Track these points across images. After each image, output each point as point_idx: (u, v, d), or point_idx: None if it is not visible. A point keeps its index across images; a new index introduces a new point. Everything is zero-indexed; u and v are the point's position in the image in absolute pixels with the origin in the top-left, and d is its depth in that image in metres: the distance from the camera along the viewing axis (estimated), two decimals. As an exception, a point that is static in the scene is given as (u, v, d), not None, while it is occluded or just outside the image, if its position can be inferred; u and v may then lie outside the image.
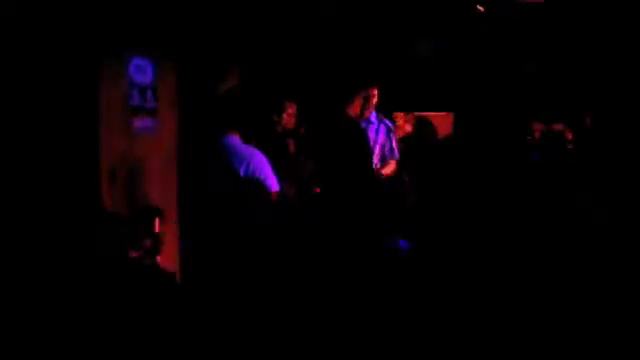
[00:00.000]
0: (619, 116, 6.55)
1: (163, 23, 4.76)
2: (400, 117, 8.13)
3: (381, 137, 5.89)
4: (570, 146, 6.80)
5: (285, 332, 3.83)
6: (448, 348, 3.86)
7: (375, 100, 5.69)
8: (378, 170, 5.69)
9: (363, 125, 5.66)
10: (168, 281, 4.02)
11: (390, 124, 6.05)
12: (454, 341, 3.89)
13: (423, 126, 7.70)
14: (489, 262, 4.38)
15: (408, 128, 8.11)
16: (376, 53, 8.12)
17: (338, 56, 7.13)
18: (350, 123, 5.23)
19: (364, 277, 4.43)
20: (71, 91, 4.28)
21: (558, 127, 7.18)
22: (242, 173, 4.40)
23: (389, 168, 5.85)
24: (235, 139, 4.55)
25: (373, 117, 5.86)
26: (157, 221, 4.39)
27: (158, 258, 4.27)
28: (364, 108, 5.48)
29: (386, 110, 7.29)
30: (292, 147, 5.18)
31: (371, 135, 5.77)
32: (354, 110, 5.34)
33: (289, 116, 5.11)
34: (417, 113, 8.68)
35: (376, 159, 5.82)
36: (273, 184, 4.49)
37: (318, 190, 4.81)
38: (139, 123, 4.60)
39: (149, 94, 4.68)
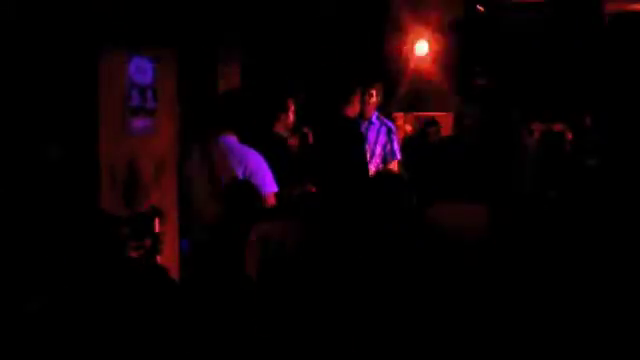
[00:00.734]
0: (619, 116, 6.55)
1: (163, 23, 4.76)
2: (400, 117, 8.14)
3: (382, 138, 5.88)
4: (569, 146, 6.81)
5: (285, 332, 3.83)
6: (449, 347, 3.86)
7: (374, 100, 5.69)
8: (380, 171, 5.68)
9: (364, 126, 5.67)
10: (168, 281, 4.02)
11: (392, 125, 6.05)
12: (454, 340, 3.88)
13: (426, 126, 7.72)
14: (489, 261, 4.38)
15: (408, 128, 8.12)
16: (375, 53, 8.14)
17: (336, 55, 7.14)
18: (347, 123, 5.23)
19: (364, 276, 4.43)
20: (71, 91, 4.28)
21: (558, 127, 7.18)
22: (239, 174, 4.39)
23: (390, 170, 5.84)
24: (232, 139, 4.54)
25: (374, 118, 5.86)
26: (157, 221, 4.39)
27: (158, 258, 4.27)
28: (363, 108, 5.48)
29: (386, 110, 7.30)
30: (293, 147, 5.18)
31: (372, 136, 5.77)
32: (353, 110, 5.34)
33: (292, 113, 5.10)
34: (417, 113, 8.69)
35: (378, 160, 5.82)
36: (271, 184, 4.48)
37: (314, 189, 4.81)
38: (139, 123, 4.59)
39: (149, 94, 4.67)
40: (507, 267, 4.36)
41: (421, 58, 8.67)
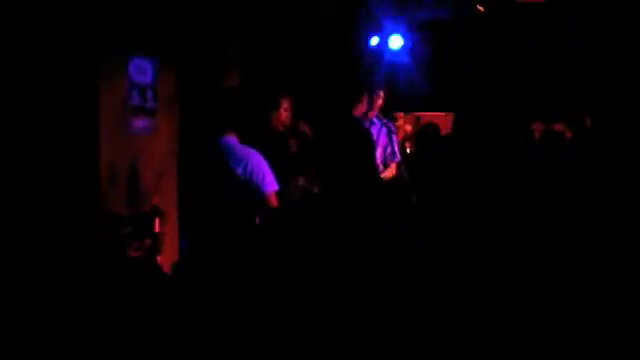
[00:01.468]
0: (619, 116, 6.55)
1: (163, 23, 4.76)
2: (400, 117, 8.13)
3: (383, 139, 5.89)
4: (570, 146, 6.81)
5: (284, 332, 3.83)
6: (448, 347, 3.86)
7: (380, 102, 5.70)
8: (380, 173, 5.68)
9: (366, 125, 5.67)
10: (167, 281, 4.03)
11: (392, 126, 6.06)
12: (454, 339, 3.89)
13: (426, 126, 7.73)
14: (489, 260, 4.38)
15: (408, 128, 8.12)
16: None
17: (347, 56, 7.15)
18: (357, 123, 5.24)
19: (365, 276, 4.43)
20: (71, 91, 4.28)
21: (558, 127, 7.18)
22: (240, 174, 4.39)
23: (390, 171, 5.86)
24: (232, 139, 4.54)
25: (375, 118, 5.87)
26: (157, 221, 4.40)
27: (158, 258, 4.28)
28: (369, 109, 5.50)
29: (386, 110, 7.30)
30: (293, 146, 5.18)
31: (376, 136, 5.79)
32: (360, 110, 5.35)
33: (285, 111, 5.10)
34: (417, 113, 8.69)
35: (378, 161, 5.82)
36: (272, 183, 4.48)
37: (316, 189, 4.81)
38: (139, 123, 4.59)
39: (149, 94, 4.68)
40: (506, 267, 4.36)
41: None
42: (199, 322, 3.72)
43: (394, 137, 5.95)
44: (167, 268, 4.42)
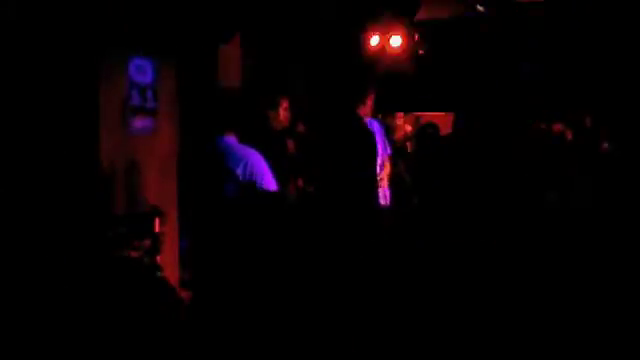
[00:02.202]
0: (619, 116, 6.55)
1: (163, 23, 4.76)
2: (400, 117, 8.12)
3: (380, 137, 5.95)
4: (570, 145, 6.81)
5: (284, 332, 3.83)
6: (446, 346, 3.86)
7: (370, 103, 5.77)
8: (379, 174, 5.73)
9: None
10: (167, 283, 4.03)
11: (382, 124, 6.18)
12: (452, 338, 3.89)
13: (426, 126, 7.73)
14: (489, 258, 4.38)
15: (408, 128, 8.11)
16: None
17: (352, 57, 7.16)
18: (363, 123, 5.28)
19: (365, 277, 4.43)
20: (71, 91, 4.28)
21: (558, 127, 7.18)
22: (239, 174, 4.39)
23: (386, 170, 5.90)
24: (231, 139, 4.54)
25: (370, 119, 5.94)
26: (157, 221, 4.39)
27: (158, 258, 4.27)
28: (372, 109, 5.56)
29: (386, 110, 7.30)
30: (291, 146, 5.18)
31: (377, 133, 5.88)
32: (365, 110, 5.40)
33: (285, 111, 5.11)
34: (417, 113, 8.69)
35: (380, 156, 5.91)
36: (271, 184, 4.48)
37: (311, 188, 4.83)
38: (139, 123, 4.59)
39: (149, 94, 4.68)
40: (505, 267, 4.36)
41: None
42: (199, 322, 3.72)
43: (384, 135, 6.06)
44: (167, 268, 4.42)
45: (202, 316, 3.79)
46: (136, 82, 4.57)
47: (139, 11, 4.56)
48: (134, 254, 4.02)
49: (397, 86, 8.48)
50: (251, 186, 4.36)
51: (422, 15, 8.28)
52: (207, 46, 5.74)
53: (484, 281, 4.38)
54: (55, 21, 4.23)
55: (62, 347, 3.37)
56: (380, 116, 6.85)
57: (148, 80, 4.66)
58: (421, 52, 8.70)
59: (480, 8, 8.11)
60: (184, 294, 4.20)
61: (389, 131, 6.04)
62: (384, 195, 5.76)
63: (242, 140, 4.59)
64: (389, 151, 6.00)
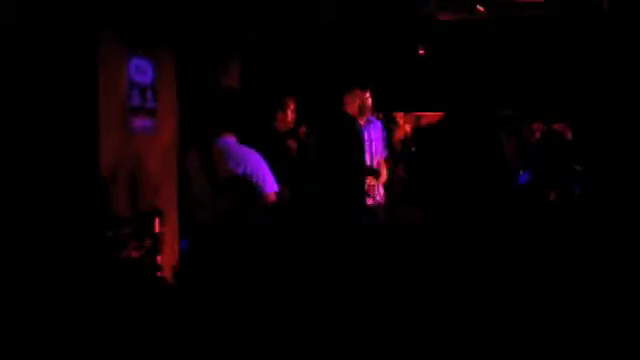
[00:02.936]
0: (618, 116, 6.55)
1: (163, 23, 4.76)
2: (400, 117, 8.14)
3: (380, 134, 5.98)
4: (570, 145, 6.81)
5: (283, 331, 3.83)
6: (443, 345, 3.86)
7: (370, 101, 5.76)
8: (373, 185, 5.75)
9: (364, 124, 5.73)
10: (167, 282, 4.03)
11: (382, 124, 6.21)
12: (450, 338, 3.89)
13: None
14: (487, 259, 4.38)
15: (408, 128, 8.13)
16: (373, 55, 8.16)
17: (338, 58, 7.16)
18: (349, 120, 5.28)
19: (364, 275, 4.43)
20: (71, 91, 4.28)
21: (558, 127, 7.19)
22: (239, 174, 4.38)
23: (383, 171, 5.93)
24: (231, 140, 4.53)
25: (372, 117, 5.96)
26: (157, 221, 4.39)
27: (158, 258, 4.27)
28: (362, 108, 5.56)
29: (386, 110, 7.31)
30: (293, 147, 5.19)
31: (374, 133, 5.88)
32: (352, 108, 5.41)
33: (292, 112, 5.12)
34: (417, 113, 8.70)
35: (381, 156, 5.93)
36: (271, 184, 4.48)
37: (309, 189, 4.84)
38: (139, 123, 4.59)
39: (149, 94, 4.67)
40: (504, 267, 4.36)
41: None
42: (199, 323, 3.72)
43: (384, 135, 6.08)
44: (167, 268, 4.41)
45: (199, 315, 3.79)
46: (136, 82, 4.57)
47: (139, 11, 4.56)
48: (134, 254, 4.02)
49: (397, 86, 8.49)
50: (252, 183, 4.34)
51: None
52: (207, 46, 5.74)
53: (482, 281, 4.37)
54: (55, 21, 4.23)
55: (62, 347, 3.37)
56: (381, 116, 6.87)
57: (148, 80, 4.66)
58: (421, 52, 8.71)
59: (480, 9, 8.12)
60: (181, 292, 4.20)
61: (390, 132, 6.05)
62: (379, 193, 5.77)
63: (243, 141, 4.59)
64: (385, 154, 6.01)
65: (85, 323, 3.47)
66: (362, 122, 5.67)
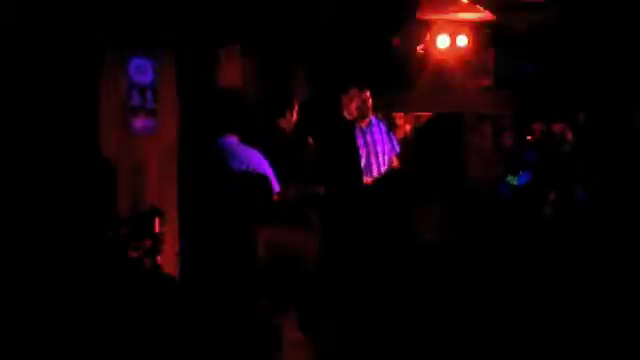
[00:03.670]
0: (618, 116, 6.55)
1: (163, 23, 4.76)
2: (400, 117, 8.14)
3: (385, 136, 5.97)
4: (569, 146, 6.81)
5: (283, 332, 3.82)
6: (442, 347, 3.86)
7: (370, 102, 5.75)
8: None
9: (365, 127, 5.73)
10: (167, 282, 4.02)
11: (385, 124, 6.19)
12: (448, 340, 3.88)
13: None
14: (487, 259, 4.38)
15: (408, 128, 8.13)
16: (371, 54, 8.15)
17: (336, 58, 7.16)
18: (346, 124, 5.29)
19: (369, 277, 4.43)
20: (71, 91, 4.28)
21: (558, 127, 7.19)
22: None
23: (394, 163, 5.93)
24: (233, 140, 4.54)
25: (373, 119, 5.94)
26: (157, 221, 4.39)
27: (158, 258, 4.27)
28: (362, 110, 5.55)
29: (386, 110, 7.31)
30: (294, 148, 5.20)
31: (377, 136, 5.87)
32: (350, 113, 5.41)
33: (295, 113, 5.14)
34: (417, 113, 8.69)
35: (387, 158, 5.92)
36: (273, 185, 4.48)
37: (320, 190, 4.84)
38: (139, 123, 4.60)
39: (149, 94, 4.68)
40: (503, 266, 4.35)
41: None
42: (199, 323, 3.72)
43: (391, 132, 6.06)
44: (167, 268, 4.41)
45: (203, 316, 3.79)
46: (136, 82, 4.57)
47: (139, 11, 4.56)
48: (134, 254, 4.02)
49: (397, 86, 8.48)
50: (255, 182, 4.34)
51: (425, 15, 8.28)
52: (207, 46, 5.74)
53: (481, 280, 4.37)
54: (55, 21, 4.23)
55: (63, 347, 3.37)
56: (381, 115, 6.87)
57: (148, 80, 4.66)
58: (421, 51, 8.70)
59: (480, 9, 8.11)
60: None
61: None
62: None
63: (245, 140, 4.60)
64: (397, 149, 5.99)
65: (84, 323, 3.47)
66: (364, 124, 5.66)
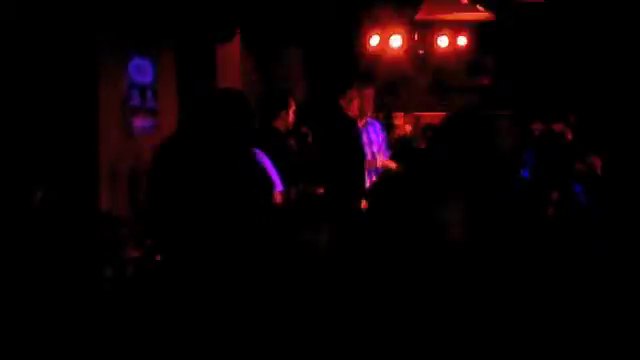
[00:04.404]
0: (617, 116, 6.55)
1: (163, 23, 4.76)
2: (400, 117, 8.13)
3: (381, 135, 5.98)
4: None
5: (283, 332, 3.82)
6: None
7: (371, 101, 5.75)
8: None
9: (363, 125, 5.73)
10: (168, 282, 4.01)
11: (381, 124, 6.21)
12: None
13: (425, 129, 7.74)
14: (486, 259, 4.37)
15: (408, 128, 8.11)
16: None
17: (337, 57, 7.16)
18: (348, 122, 5.28)
19: (370, 278, 4.42)
20: (71, 91, 4.28)
21: (558, 127, 7.18)
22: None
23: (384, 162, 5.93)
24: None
25: (368, 119, 5.94)
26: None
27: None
28: (363, 108, 5.54)
29: (386, 110, 7.31)
30: (292, 146, 5.19)
31: (373, 135, 5.87)
32: (353, 110, 5.40)
33: (293, 112, 5.13)
34: (417, 113, 8.69)
35: (384, 155, 5.92)
36: (276, 184, 4.48)
37: (320, 190, 4.82)
38: (139, 123, 4.60)
39: (149, 94, 4.68)
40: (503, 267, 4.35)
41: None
42: (200, 323, 3.72)
43: (385, 134, 6.08)
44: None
45: (203, 316, 3.79)
46: (136, 82, 4.57)
47: (139, 11, 4.56)
48: (134, 254, 4.02)
49: (397, 86, 8.48)
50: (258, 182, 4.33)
51: (422, 15, 8.28)
52: (207, 46, 5.74)
53: (480, 280, 4.37)
54: (55, 21, 4.23)
55: (62, 347, 3.37)
56: (381, 116, 6.86)
57: (148, 80, 4.66)
58: (421, 52, 8.71)
59: (480, 9, 8.11)
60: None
61: (390, 130, 6.05)
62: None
63: (245, 140, 4.59)
64: (387, 154, 6.00)
65: (84, 323, 3.47)
66: (361, 123, 5.66)
